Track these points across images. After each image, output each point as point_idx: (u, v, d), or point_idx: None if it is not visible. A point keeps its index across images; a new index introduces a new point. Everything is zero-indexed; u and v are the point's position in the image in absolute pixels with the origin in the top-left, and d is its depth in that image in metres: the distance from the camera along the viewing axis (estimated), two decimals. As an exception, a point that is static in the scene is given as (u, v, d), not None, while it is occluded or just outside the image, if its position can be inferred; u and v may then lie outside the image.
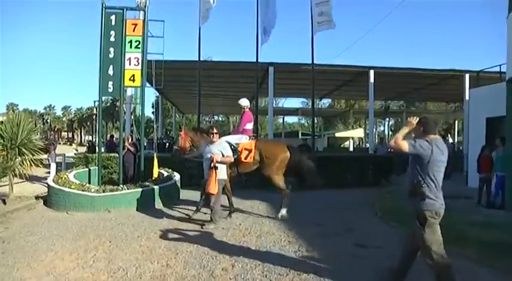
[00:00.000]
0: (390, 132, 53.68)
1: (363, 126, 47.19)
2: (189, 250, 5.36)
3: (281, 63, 16.14)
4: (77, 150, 27.68)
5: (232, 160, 6.87)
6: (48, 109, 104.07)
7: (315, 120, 25.51)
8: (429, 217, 3.53)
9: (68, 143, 65.02)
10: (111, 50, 9.45)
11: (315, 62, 13.32)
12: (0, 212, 7.64)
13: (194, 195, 8.92)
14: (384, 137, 36.64)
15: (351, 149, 33.34)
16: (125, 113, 12.70)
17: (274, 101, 22.55)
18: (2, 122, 9.39)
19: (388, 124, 53.76)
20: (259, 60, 13.68)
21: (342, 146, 37.17)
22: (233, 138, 7.53)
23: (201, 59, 14.43)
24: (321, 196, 10.21)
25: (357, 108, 46.97)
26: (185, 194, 9.69)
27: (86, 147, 28.49)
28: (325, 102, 61.57)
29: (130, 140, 11.13)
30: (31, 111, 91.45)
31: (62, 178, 9.18)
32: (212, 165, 6.30)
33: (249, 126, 7.87)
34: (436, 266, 3.49)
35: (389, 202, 9.11)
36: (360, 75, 17.64)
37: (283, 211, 7.49)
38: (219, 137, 6.90)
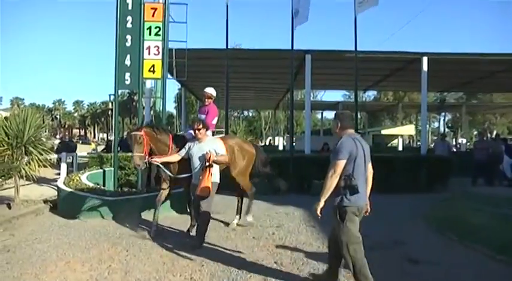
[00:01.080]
0: (446, 130, 52.01)
1: (414, 122, 45.94)
2: (215, 261, 5.31)
3: (319, 51, 15.82)
4: (96, 150, 28.37)
5: (227, 159, 6.63)
6: (57, 104, 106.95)
7: (358, 116, 24.94)
8: (351, 213, 3.93)
9: (80, 142, 66.15)
10: (128, 37, 9.51)
11: (358, 48, 12.96)
12: (5, 218, 7.82)
13: (223, 200, 8.85)
14: (446, 134, 35.41)
15: (400, 148, 32.49)
16: (143, 108, 12.82)
17: (311, 94, 22.22)
18: (6, 118, 9.59)
19: (444, 120, 52.13)
20: (294, 48, 13.48)
21: (390, 145, 36.34)
22: None
23: (229, 47, 14.37)
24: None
25: (407, 102, 45.79)
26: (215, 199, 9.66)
27: (103, 146, 29.07)
28: (370, 94, 60.71)
29: None
30: (38, 106, 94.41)
31: (73, 179, 9.33)
32: (207, 164, 6.00)
33: (215, 121, 7.73)
34: (352, 262, 3.93)
35: (446, 210, 8.75)
36: (410, 63, 17.07)
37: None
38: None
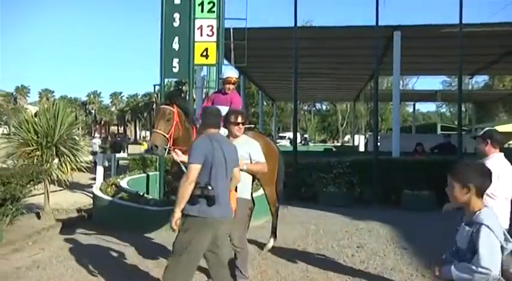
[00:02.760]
0: None
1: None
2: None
3: (412, 26, 15.35)
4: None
5: (266, 168, 5.66)
6: (92, 96, 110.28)
7: (463, 108, 23.86)
8: (202, 224, 4.06)
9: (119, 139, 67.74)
10: (176, 16, 9.70)
11: (463, 21, 12.37)
12: (34, 229, 8.19)
13: (296, 211, 8.77)
14: None
15: (521, 150, 30.81)
16: (194, 100, 13.04)
17: (401, 82, 21.59)
18: (35, 114, 10.00)
19: None
20: (379, 23, 13.15)
21: (507, 145, 34.49)
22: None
23: (298, 24, 14.31)
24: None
25: (530, 90, 43.27)
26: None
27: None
28: (479, 80, 57.87)
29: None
30: (71, 100, 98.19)
31: (111, 185, 9.64)
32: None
33: None
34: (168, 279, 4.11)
35: None
36: (536, 37, 16.08)
37: (271, 243, 7.16)
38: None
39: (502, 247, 2.52)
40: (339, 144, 57.51)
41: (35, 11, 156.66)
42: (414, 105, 43.19)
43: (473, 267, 2.45)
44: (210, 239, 4.12)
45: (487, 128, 5.00)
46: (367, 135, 39.83)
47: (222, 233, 4.29)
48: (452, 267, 2.57)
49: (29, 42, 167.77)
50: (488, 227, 2.50)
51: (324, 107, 75.36)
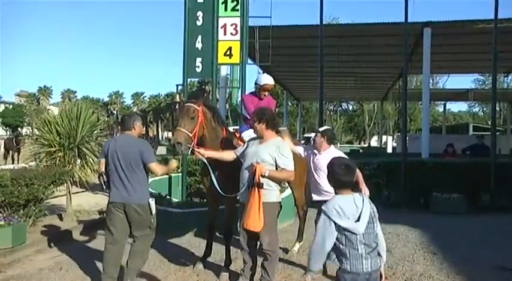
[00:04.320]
0: None
1: None
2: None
3: (442, 22, 15.18)
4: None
5: (293, 176, 5.44)
6: (114, 97, 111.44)
7: (497, 108, 23.41)
8: (110, 207, 5.30)
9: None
10: (199, 14, 9.74)
11: (498, 16, 12.18)
12: (56, 231, 8.35)
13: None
14: None
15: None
16: (217, 100, 13.09)
17: (431, 80, 21.30)
18: (59, 114, 10.13)
19: None
20: (408, 20, 13.04)
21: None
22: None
23: (324, 22, 14.27)
24: (508, 224, 9.37)
25: None
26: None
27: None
28: (514, 78, 56.89)
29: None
30: (93, 100, 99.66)
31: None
32: (254, 181, 4.96)
33: None
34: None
35: None
36: None
37: (297, 246, 7.22)
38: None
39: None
40: (366, 145, 57.06)
41: (58, 11, 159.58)
42: (445, 104, 42.67)
43: None
44: (120, 219, 5.19)
45: (325, 127, 6.09)
46: (395, 136, 39.55)
47: (134, 221, 5.20)
48: None
49: (51, 42, 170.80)
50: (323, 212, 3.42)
51: (351, 107, 74.86)
